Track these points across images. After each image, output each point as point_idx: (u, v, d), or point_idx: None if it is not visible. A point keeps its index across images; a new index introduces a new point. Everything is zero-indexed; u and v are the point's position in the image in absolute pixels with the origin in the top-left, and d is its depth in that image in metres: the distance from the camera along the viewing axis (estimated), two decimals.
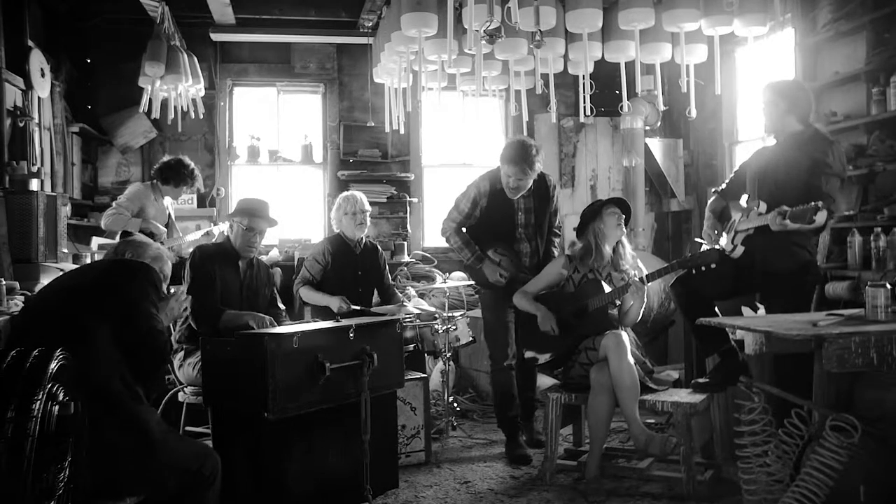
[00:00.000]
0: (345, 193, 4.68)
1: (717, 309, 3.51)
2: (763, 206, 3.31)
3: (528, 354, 3.92)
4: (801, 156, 3.33)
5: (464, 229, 4.21)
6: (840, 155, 3.36)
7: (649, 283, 3.68)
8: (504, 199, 4.10)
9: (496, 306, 4.17)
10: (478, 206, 4.14)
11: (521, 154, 3.96)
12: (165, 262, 2.86)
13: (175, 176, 5.12)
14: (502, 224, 4.13)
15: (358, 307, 4.28)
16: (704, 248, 3.53)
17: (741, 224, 3.42)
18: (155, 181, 5.16)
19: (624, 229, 3.83)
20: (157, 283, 2.67)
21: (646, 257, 4.65)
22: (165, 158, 5.28)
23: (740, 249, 3.30)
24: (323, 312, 4.33)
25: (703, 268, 3.40)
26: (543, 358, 3.83)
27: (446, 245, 4.31)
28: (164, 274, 2.82)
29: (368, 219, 4.57)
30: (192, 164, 5.23)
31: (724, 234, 3.55)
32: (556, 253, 4.30)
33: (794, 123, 3.41)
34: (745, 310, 3.90)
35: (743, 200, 3.62)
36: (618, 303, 3.74)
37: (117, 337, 2.42)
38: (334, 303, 4.25)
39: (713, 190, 3.90)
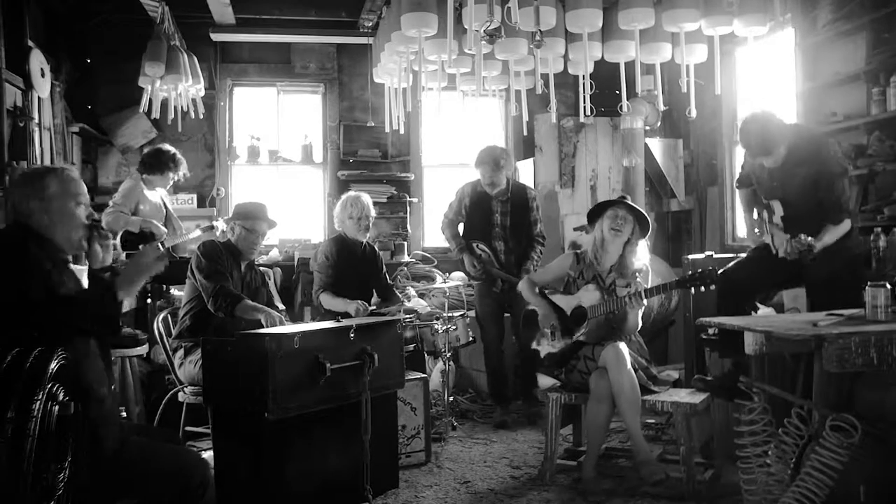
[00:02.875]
0: (351, 195, 4.60)
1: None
2: (779, 208, 3.37)
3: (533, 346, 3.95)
4: (801, 171, 3.38)
5: (460, 226, 4.99)
6: (833, 151, 3.40)
7: (647, 300, 3.62)
8: (483, 200, 4.90)
9: (486, 296, 4.90)
10: (462, 204, 4.98)
11: (487, 154, 4.81)
12: (80, 184, 2.42)
13: (157, 164, 5.04)
14: (481, 222, 4.91)
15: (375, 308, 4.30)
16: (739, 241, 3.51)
17: (774, 229, 3.41)
18: (143, 175, 5.06)
19: (622, 236, 3.75)
20: (46, 255, 2.27)
21: None
22: (145, 150, 5.23)
23: (783, 249, 3.30)
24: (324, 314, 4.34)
25: (703, 287, 3.41)
26: (545, 343, 3.84)
27: (446, 245, 5.00)
28: (80, 194, 2.39)
29: (371, 224, 4.58)
30: (173, 150, 5.14)
31: (766, 230, 3.51)
32: (534, 256, 4.89)
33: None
34: None
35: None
36: (617, 313, 3.67)
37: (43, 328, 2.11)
38: (353, 308, 4.17)
39: (735, 184, 3.94)
